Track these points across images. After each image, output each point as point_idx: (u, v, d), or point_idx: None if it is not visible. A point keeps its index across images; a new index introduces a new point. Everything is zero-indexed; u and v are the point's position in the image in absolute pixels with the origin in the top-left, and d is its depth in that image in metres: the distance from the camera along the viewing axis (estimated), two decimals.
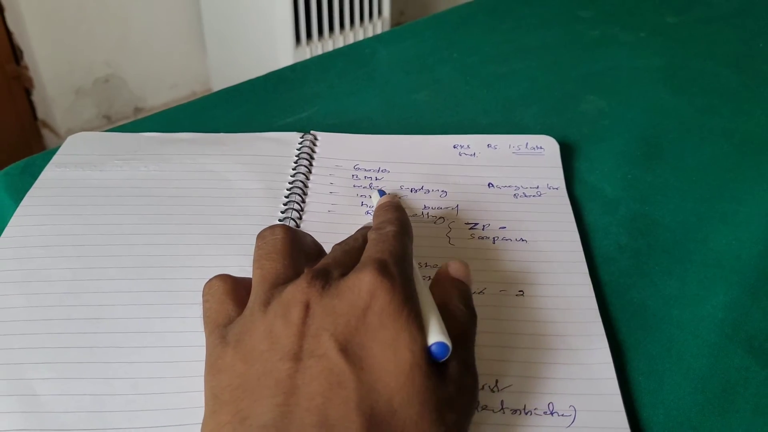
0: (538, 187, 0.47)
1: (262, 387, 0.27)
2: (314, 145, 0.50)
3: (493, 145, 0.50)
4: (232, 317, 0.30)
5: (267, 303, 0.29)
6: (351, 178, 0.47)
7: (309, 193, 0.46)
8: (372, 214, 0.44)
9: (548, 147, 0.50)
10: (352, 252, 0.33)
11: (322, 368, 0.27)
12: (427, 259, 0.41)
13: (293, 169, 0.48)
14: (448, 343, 0.29)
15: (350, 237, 0.35)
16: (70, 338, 0.36)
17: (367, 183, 0.47)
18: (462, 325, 0.31)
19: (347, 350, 0.27)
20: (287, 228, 0.33)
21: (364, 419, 0.26)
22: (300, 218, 0.44)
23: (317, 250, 0.36)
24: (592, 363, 0.36)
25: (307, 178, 0.47)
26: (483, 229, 0.44)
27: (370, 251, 0.32)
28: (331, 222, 0.44)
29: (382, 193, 0.45)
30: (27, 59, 1.58)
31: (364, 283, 0.29)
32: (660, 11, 0.73)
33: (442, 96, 0.58)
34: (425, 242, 0.42)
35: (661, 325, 0.38)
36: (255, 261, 0.32)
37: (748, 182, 0.49)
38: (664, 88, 0.60)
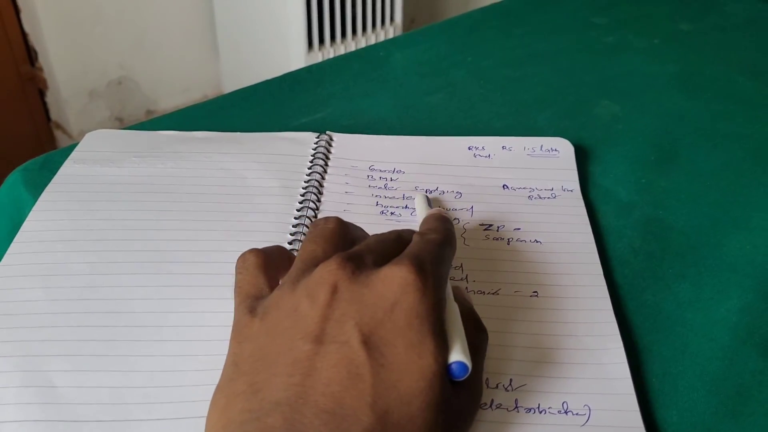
0: (552, 189, 0.47)
1: (280, 363, 0.27)
2: (330, 145, 0.50)
3: (507, 147, 0.51)
4: (263, 290, 0.31)
5: (297, 280, 0.29)
6: (366, 178, 0.48)
7: (324, 192, 0.46)
8: (385, 214, 0.45)
9: (563, 149, 0.50)
10: (386, 242, 0.33)
11: (342, 356, 0.27)
12: None
13: (309, 169, 0.48)
14: (469, 364, 0.28)
15: (386, 231, 0.35)
16: (88, 331, 0.36)
17: (382, 183, 0.47)
18: (474, 341, 0.31)
19: (369, 342, 0.27)
20: (341, 220, 0.34)
21: (377, 417, 0.26)
22: (315, 217, 0.44)
23: None
24: (606, 363, 0.36)
25: (323, 178, 0.47)
26: (498, 230, 0.44)
27: (411, 248, 0.32)
28: (347, 221, 0.44)
29: (426, 197, 0.44)
30: (42, 61, 1.60)
31: (397, 276, 0.28)
32: (674, 19, 0.73)
33: (456, 99, 0.59)
34: None
35: (675, 328, 0.38)
36: (303, 243, 0.33)
37: (762, 188, 0.49)
38: (678, 93, 0.60)
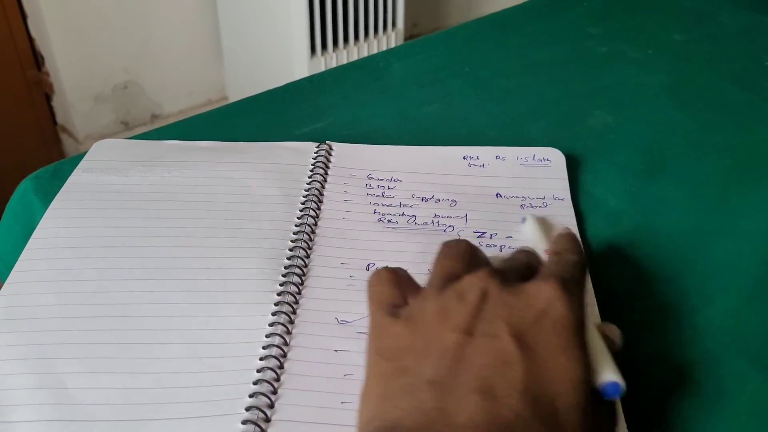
0: (544, 198, 0.49)
1: (428, 350, 0.28)
2: (329, 154, 0.52)
3: (501, 157, 0.52)
4: (399, 300, 0.32)
5: (442, 288, 0.31)
6: (365, 186, 0.49)
7: (324, 200, 0.48)
8: (382, 222, 0.46)
9: (555, 159, 0.52)
10: (519, 267, 0.34)
11: (492, 346, 0.28)
12: None
13: (309, 178, 0.50)
14: (623, 385, 0.29)
15: (513, 257, 0.36)
16: (99, 335, 0.38)
17: (380, 192, 0.49)
18: None
19: (520, 339, 0.28)
20: (470, 243, 0.36)
21: (527, 403, 0.26)
22: (315, 224, 0.46)
23: None
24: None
25: (323, 186, 0.49)
26: (491, 238, 0.45)
27: (551, 268, 0.33)
28: (345, 228, 0.46)
29: (537, 219, 0.45)
30: (48, 65, 1.62)
31: (544, 291, 0.30)
32: (667, 29, 0.75)
33: (453, 109, 0.60)
34: (435, 249, 0.44)
35: (661, 333, 0.40)
36: (436, 260, 0.34)
37: (749, 197, 0.51)
38: (670, 103, 0.62)
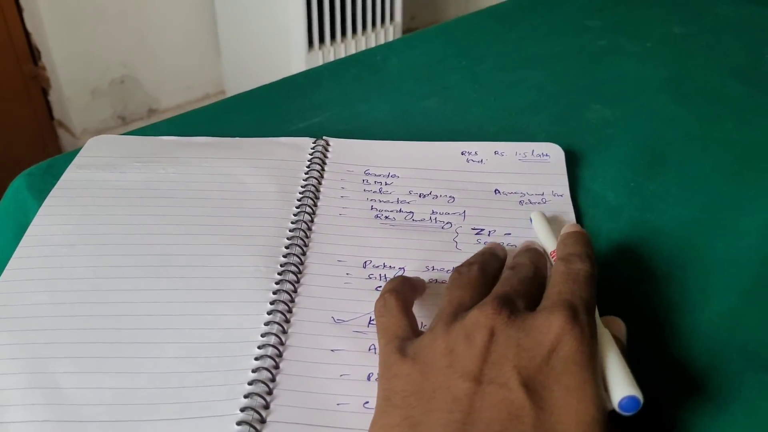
0: (543, 194, 0.48)
1: (437, 400, 0.28)
2: (326, 150, 0.52)
3: (500, 152, 0.52)
4: (407, 331, 0.32)
5: (450, 323, 0.31)
6: (361, 182, 0.49)
7: (321, 197, 0.47)
8: (380, 218, 0.46)
9: (554, 154, 0.52)
10: (526, 281, 0.34)
11: (502, 397, 0.28)
12: (434, 263, 0.42)
13: (306, 174, 0.49)
14: (640, 397, 0.29)
15: (519, 263, 0.37)
16: (93, 334, 0.37)
17: (377, 188, 0.48)
18: None
19: (529, 386, 0.28)
20: (483, 268, 0.36)
21: None
22: (312, 221, 0.45)
23: None
24: None
25: (319, 182, 0.48)
26: (489, 235, 0.45)
27: (561, 291, 0.33)
28: (342, 225, 0.45)
29: (543, 215, 0.45)
30: (44, 60, 1.61)
31: (553, 326, 0.30)
32: (667, 22, 0.74)
33: (451, 103, 0.60)
34: (433, 246, 0.44)
35: (659, 330, 0.40)
36: (447, 289, 0.34)
37: (750, 192, 0.50)
38: (669, 97, 0.61)
